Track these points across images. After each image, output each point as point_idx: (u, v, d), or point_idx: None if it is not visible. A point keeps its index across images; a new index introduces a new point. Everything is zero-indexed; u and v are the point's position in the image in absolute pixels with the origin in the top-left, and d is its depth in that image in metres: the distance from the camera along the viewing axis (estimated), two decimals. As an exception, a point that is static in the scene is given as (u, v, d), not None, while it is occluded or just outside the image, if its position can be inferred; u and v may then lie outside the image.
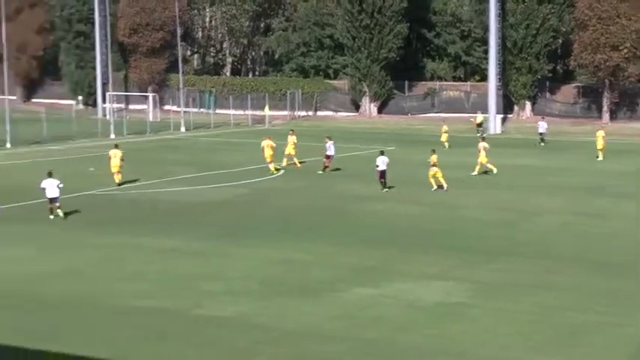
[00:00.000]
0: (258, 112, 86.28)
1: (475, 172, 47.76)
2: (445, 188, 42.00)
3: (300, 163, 50.74)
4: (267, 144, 48.86)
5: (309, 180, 45.98)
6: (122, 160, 43.50)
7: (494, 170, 47.73)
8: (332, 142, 48.83)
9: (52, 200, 34.94)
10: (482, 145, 48.62)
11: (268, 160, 48.65)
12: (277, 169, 48.63)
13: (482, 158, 47.78)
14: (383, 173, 42.14)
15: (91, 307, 22.91)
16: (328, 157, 48.35)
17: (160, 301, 23.54)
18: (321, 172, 47.81)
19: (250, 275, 26.33)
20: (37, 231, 32.68)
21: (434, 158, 42.59)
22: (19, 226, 33.39)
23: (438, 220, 35.29)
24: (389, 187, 42.13)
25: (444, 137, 63.13)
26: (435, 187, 42.40)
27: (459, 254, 28.91)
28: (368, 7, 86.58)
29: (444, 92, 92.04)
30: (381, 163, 42.33)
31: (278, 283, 25.40)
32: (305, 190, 42.62)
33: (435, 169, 42.47)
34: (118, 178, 43.48)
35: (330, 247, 29.88)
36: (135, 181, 44.54)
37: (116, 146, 44.85)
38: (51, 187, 34.88)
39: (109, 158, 43.99)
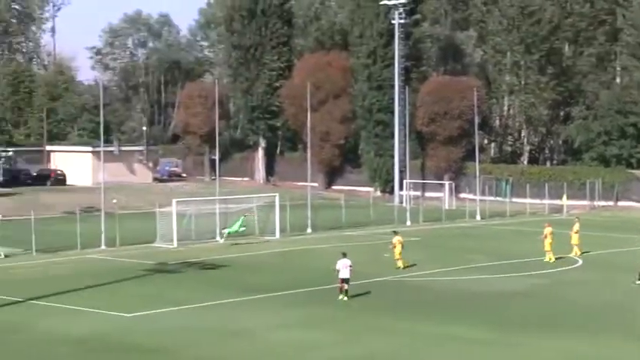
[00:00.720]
0: (555, 202, 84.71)
1: None
2: None
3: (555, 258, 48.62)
4: (548, 231, 48.15)
5: (606, 273, 44.48)
6: (402, 245, 44.81)
7: None
8: None
9: (344, 281, 36.15)
10: None
11: (547, 248, 48.08)
12: (553, 259, 47.73)
13: None
14: None
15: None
16: None
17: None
18: None
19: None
20: (328, 315, 33.64)
21: None
22: (310, 310, 34.50)
23: None
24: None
25: None
26: None
27: None
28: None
29: None
30: None
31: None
32: (602, 284, 41.24)
33: None
34: (400, 264, 44.73)
35: (627, 344, 28.65)
36: (413, 265, 45.29)
37: (395, 233, 46.49)
38: (344, 268, 36.17)
39: (393, 245, 44.99)
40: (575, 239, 50.51)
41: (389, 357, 27.23)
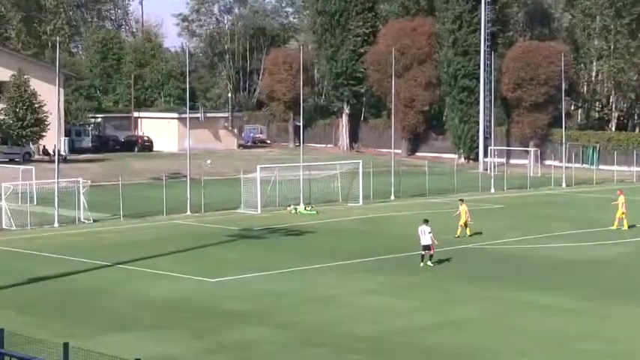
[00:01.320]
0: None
1: None
2: None
3: None
4: (621, 200, 47.32)
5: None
6: (467, 215, 44.03)
7: None
8: None
9: (424, 247, 35.95)
10: None
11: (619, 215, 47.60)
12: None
13: None
14: None
15: None
16: None
17: (536, 359, 23.25)
18: None
19: (635, 338, 25.28)
20: (410, 282, 33.58)
21: None
22: (393, 277, 34.46)
23: None
24: None
25: None
26: None
27: None
28: None
29: None
30: None
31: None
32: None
33: None
34: (459, 232, 44.03)
35: None
36: (479, 233, 44.60)
37: (462, 201, 45.57)
38: (422, 235, 35.95)
39: (459, 214, 44.50)
40: None
41: (472, 324, 27.06)
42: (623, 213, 47.55)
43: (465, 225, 44.04)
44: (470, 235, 43.82)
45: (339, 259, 37.83)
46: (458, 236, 43.45)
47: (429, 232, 36.21)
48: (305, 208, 54.63)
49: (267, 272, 35.05)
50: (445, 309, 29.09)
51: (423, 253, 36.15)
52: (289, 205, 54.64)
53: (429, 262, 35.98)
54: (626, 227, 47.05)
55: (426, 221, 36.73)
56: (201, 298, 30.38)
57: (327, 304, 29.85)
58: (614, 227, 47.19)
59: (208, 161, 54.16)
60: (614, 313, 28.38)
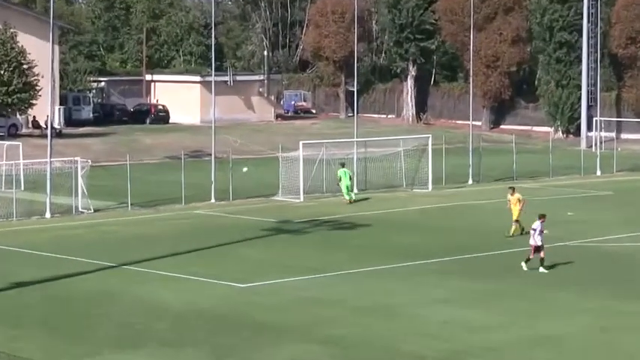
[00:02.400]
0: None
1: None
2: None
3: None
4: None
5: None
6: (520, 206, 42.63)
7: None
8: None
9: (537, 249, 35.48)
10: None
11: None
12: None
13: None
14: None
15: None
16: None
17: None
18: None
19: None
20: (490, 289, 33.47)
21: None
22: (468, 282, 34.38)
23: None
24: None
25: None
26: None
27: None
28: None
29: None
30: None
31: None
32: None
33: None
34: (514, 229, 42.75)
35: None
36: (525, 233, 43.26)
37: (512, 189, 44.18)
38: (534, 233, 35.48)
39: (511, 204, 43.42)
40: None
41: (570, 343, 26.94)
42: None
43: (517, 221, 42.37)
44: (511, 236, 42.37)
45: (401, 259, 37.83)
46: (511, 235, 42.57)
47: (542, 231, 35.52)
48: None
49: (310, 276, 35.15)
50: (535, 323, 28.98)
51: (531, 256, 35.66)
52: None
53: (541, 269, 35.45)
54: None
55: (541, 216, 35.95)
56: (227, 308, 30.54)
57: (384, 315, 29.88)
58: None
59: (237, 141, 54.40)
60: None
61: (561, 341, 27.20)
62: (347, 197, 53.51)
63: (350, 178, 54.40)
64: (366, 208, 51.65)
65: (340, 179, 53.93)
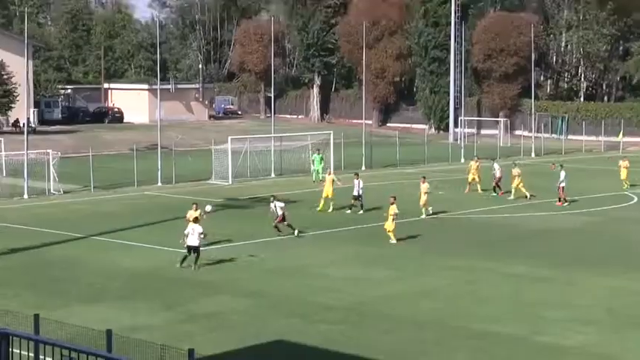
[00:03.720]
0: (611, 139, 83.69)
1: None
2: None
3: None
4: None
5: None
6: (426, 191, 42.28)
7: None
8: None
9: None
10: None
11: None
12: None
13: None
14: None
15: (445, 329, 23.48)
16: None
17: (504, 326, 23.61)
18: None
19: (597, 305, 25.71)
20: (382, 252, 33.82)
21: None
22: (364, 246, 34.67)
23: None
24: None
25: None
26: None
27: None
28: None
29: None
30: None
31: (627, 315, 24.58)
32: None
33: None
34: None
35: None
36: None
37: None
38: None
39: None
40: (623, 174, 52.27)
41: (446, 292, 27.40)
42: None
43: (425, 205, 42.07)
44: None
45: (311, 228, 37.88)
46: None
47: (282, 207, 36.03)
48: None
49: (240, 242, 35.12)
50: (418, 279, 29.40)
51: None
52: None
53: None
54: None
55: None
56: (173, 270, 30.49)
57: (299, 274, 30.02)
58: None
59: (179, 136, 54.15)
60: (579, 281, 28.81)
61: (438, 291, 27.66)
62: (314, 179, 53.65)
63: (320, 162, 54.54)
64: (285, 189, 51.56)
65: (313, 162, 54.27)
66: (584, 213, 43.26)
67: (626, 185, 51.78)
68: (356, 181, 42.91)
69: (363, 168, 62.54)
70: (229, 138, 56.34)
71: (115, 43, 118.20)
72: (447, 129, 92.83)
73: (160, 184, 52.88)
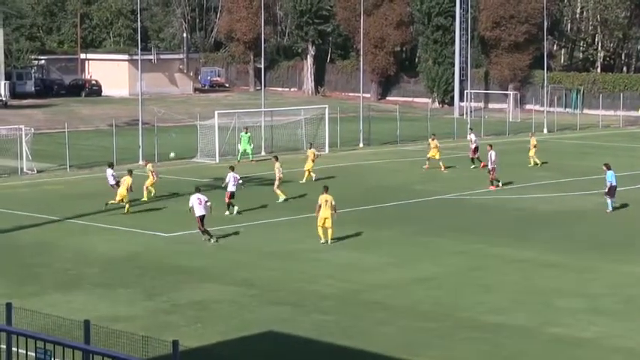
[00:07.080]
0: (631, 113, 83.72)
1: None
2: None
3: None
4: None
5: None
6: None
7: None
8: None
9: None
10: None
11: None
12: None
13: None
14: None
15: (449, 319, 23.57)
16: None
17: (513, 316, 23.65)
18: None
19: (615, 293, 25.77)
20: (383, 235, 33.82)
21: None
22: (365, 229, 34.69)
23: None
24: None
25: None
26: None
27: None
28: None
29: None
30: None
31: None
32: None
33: None
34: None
35: None
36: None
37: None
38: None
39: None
40: (532, 152, 53.47)
41: (448, 279, 27.42)
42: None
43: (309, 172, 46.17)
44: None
45: (304, 212, 37.83)
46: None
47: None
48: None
49: (227, 226, 35.09)
50: (417, 265, 29.42)
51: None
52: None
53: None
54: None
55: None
56: (154, 255, 30.50)
57: (293, 259, 30.04)
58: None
59: (161, 111, 53.99)
60: (595, 267, 28.86)
61: (439, 279, 27.71)
62: (239, 159, 53.58)
63: (248, 142, 54.39)
64: (269, 169, 51.47)
65: (240, 141, 54.37)
66: (599, 194, 43.24)
67: (532, 163, 52.61)
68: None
69: (361, 145, 62.54)
70: (216, 112, 56.25)
71: (93, 10, 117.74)
72: (451, 103, 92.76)
73: (141, 162, 52.74)
